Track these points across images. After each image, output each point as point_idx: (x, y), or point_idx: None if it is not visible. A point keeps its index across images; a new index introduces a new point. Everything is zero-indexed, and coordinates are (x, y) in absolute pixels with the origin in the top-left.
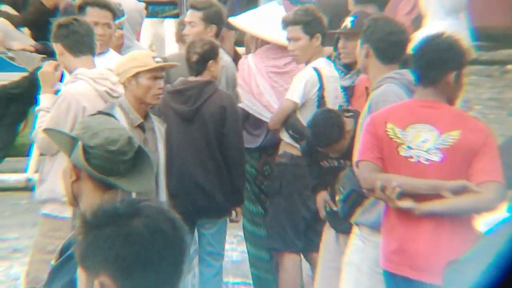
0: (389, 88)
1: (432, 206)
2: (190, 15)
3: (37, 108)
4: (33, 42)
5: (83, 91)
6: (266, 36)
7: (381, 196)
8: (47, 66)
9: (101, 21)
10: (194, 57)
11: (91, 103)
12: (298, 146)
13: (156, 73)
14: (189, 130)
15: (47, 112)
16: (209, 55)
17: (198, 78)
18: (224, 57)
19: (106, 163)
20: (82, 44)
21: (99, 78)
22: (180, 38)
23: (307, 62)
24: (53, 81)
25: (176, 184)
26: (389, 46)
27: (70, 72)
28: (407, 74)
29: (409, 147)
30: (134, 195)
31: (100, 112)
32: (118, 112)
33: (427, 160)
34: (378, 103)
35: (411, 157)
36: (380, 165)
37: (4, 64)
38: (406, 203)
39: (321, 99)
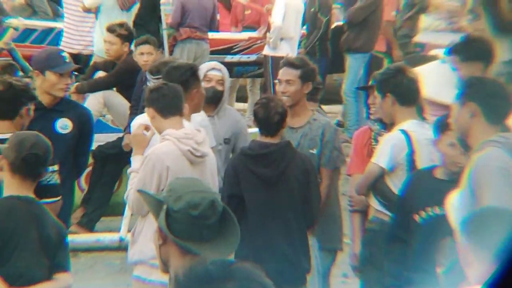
0: (493, 152)
1: None
2: (288, 74)
3: (129, 170)
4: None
5: (167, 151)
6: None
7: None
8: (138, 129)
9: None
10: (276, 118)
11: (174, 162)
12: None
13: None
14: (273, 195)
15: (137, 173)
16: (286, 115)
17: (276, 141)
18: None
19: (189, 228)
20: (171, 106)
21: (184, 138)
22: None
23: (392, 124)
24: (144, 143)
25: (259, 250)
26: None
27: (160, 133)
28: None
29: None
30: None
31: None
32: None
33: None
34: (481, 167)
35: None
36: None
37: (101, 126)
38: None
39: (411, 164)
